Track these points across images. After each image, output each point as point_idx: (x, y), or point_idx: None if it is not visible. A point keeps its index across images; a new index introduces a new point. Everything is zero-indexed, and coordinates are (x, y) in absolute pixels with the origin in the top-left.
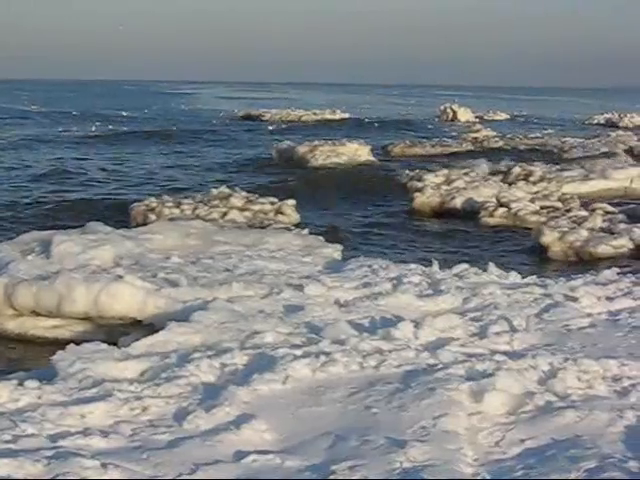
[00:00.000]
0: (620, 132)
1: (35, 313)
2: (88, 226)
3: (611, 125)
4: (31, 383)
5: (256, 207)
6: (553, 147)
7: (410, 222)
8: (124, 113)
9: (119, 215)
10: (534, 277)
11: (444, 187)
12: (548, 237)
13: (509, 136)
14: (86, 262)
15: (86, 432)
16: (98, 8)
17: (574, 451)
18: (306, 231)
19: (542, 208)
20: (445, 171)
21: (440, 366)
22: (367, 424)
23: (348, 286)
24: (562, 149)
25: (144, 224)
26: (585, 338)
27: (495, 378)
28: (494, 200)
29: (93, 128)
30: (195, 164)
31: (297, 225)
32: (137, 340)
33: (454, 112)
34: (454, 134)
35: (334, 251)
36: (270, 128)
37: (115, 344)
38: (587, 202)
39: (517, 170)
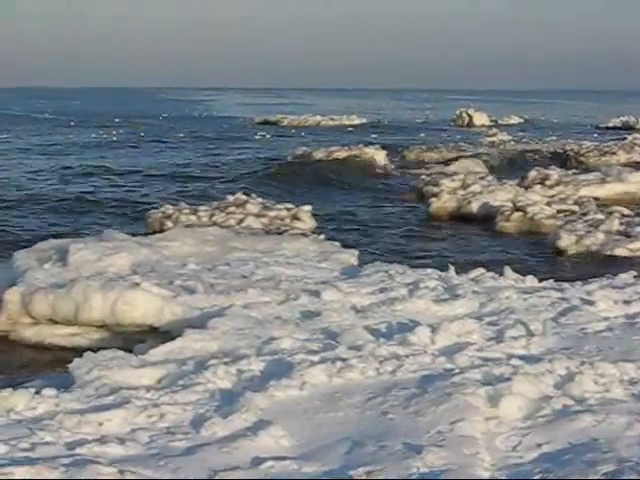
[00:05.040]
0: (637, 135)
1: (52, 321)
2: (104, 234)
3: (627, 128)
4: (48, 391)
5: (272, 213)
6: (569, 151)
7: (426, 227)
8: (137, 120)
9: (135, 222)
10: (551, 281)
11: (460, 192)
12: (565, 241)
13: (525, 140)
14: (102, 269)
15: (103, 439)
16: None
17: (591, 455)
18: (322, 237)
19: (559, 212)
20: (461, 175)
21: (457, 371)
22: (384, 429)
23: (365, 291)
24: (579, 152)
25: (160, 231)
26: (602, 342)
27: (512, 382)
28: (510, 204)
29: (107, 134)
30: (212, 171)
31: (313, 231)
32: (153, 347)
33: (470, 117)
34: (470, 138)
35: (350, 256)
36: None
37: (132, 351)
38: (604, 205)
39: (533, 174)
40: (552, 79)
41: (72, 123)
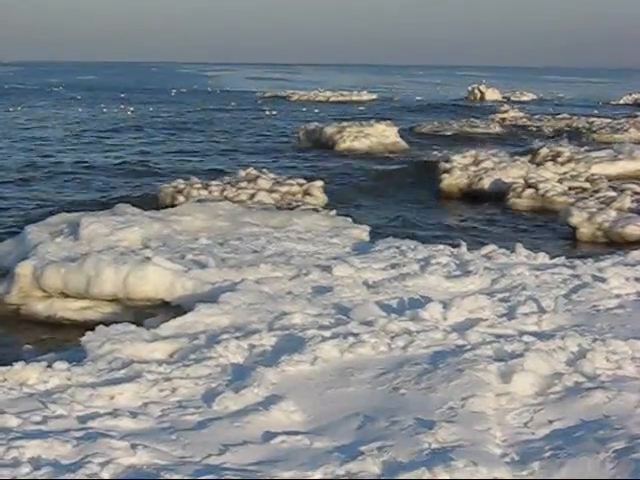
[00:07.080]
0: None
1: (64, 295)
2: (116, 208)
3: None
4: (60, 364)
5: (284, 189)
6: (581, 128)
7: (438, 203)
8: (150, 95)
9: (147, 197)
10: (562, 258)
11: (472, 168)
12: (576, 218)
13: (537, 117)
14: (114, 244)
15: (115, 413)
16: None
17: (602, 432)
18: (334, 212)
19: (570, 189)
20: (473, 152)
21: (468, 347)
22: (395, 405)
23: (376, 267)
24: (590, 130)
25: (172, 206)
26: (614, 319)
27: (523, 359)
28: (522, 181)
29: (120, 111)
30: (223, 146)
31: (325, 206)
32: (165, 322)
33: (482, 93)
34: (482, 115)
35: (362, 232)
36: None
37: (143, 325)
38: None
39: (545, 151)
40: (569, 57)
41: (79, 97)
